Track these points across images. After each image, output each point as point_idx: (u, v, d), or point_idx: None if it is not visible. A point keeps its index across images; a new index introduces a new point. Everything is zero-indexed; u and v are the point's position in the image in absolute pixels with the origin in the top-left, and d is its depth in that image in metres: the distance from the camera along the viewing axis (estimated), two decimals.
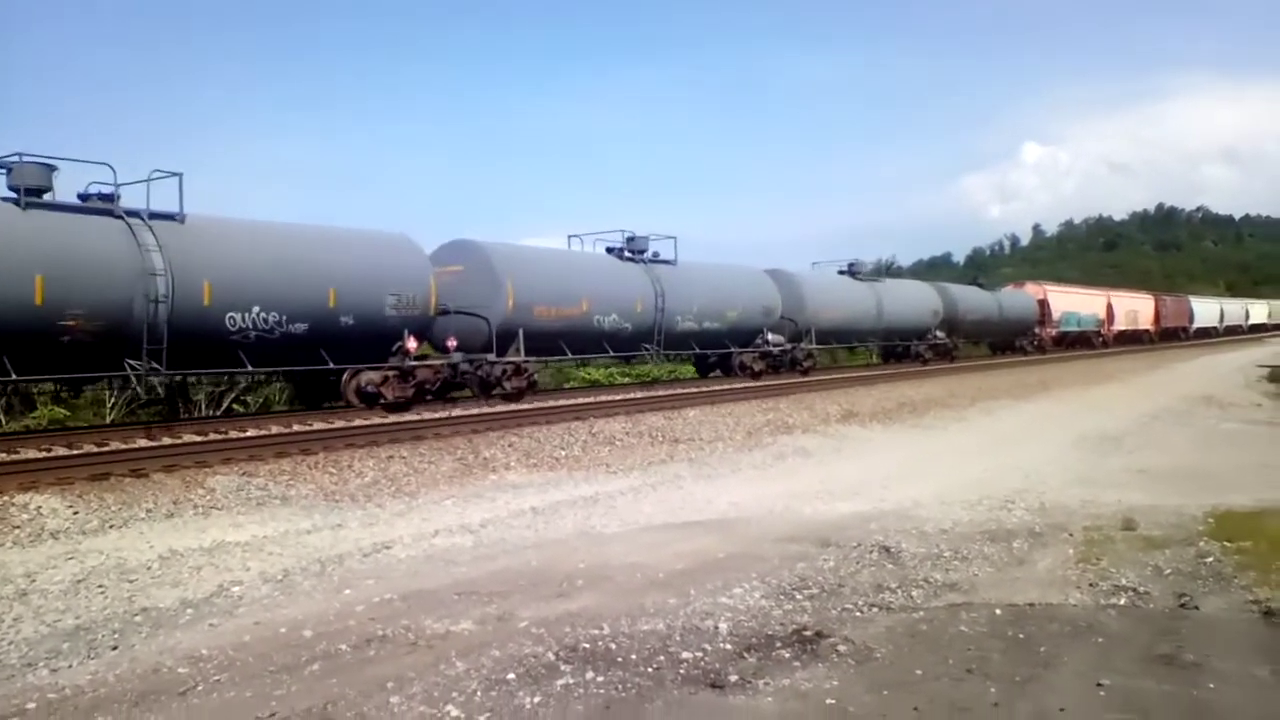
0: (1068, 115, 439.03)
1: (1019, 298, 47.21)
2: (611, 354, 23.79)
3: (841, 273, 34.85)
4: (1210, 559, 8.20)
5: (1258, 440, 17.31)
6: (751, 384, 25.60)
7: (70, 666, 5.88)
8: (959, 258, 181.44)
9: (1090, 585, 7.49)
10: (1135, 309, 62.36)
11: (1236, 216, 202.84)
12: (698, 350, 26.77)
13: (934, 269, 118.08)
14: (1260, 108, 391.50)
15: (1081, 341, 52.67)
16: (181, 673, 5.69)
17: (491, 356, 19.64)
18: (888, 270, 65.85)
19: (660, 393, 22.86)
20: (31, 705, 5.23)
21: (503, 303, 19.93)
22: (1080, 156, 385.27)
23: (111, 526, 9.76)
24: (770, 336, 28.17)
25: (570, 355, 22.56)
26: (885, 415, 21.13)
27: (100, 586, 7.66)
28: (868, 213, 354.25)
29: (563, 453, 14.94)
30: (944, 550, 8.70)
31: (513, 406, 19.02)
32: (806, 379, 27.78)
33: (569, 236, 25.01)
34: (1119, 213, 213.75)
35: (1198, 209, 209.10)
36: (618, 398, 21.30)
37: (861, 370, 33.44)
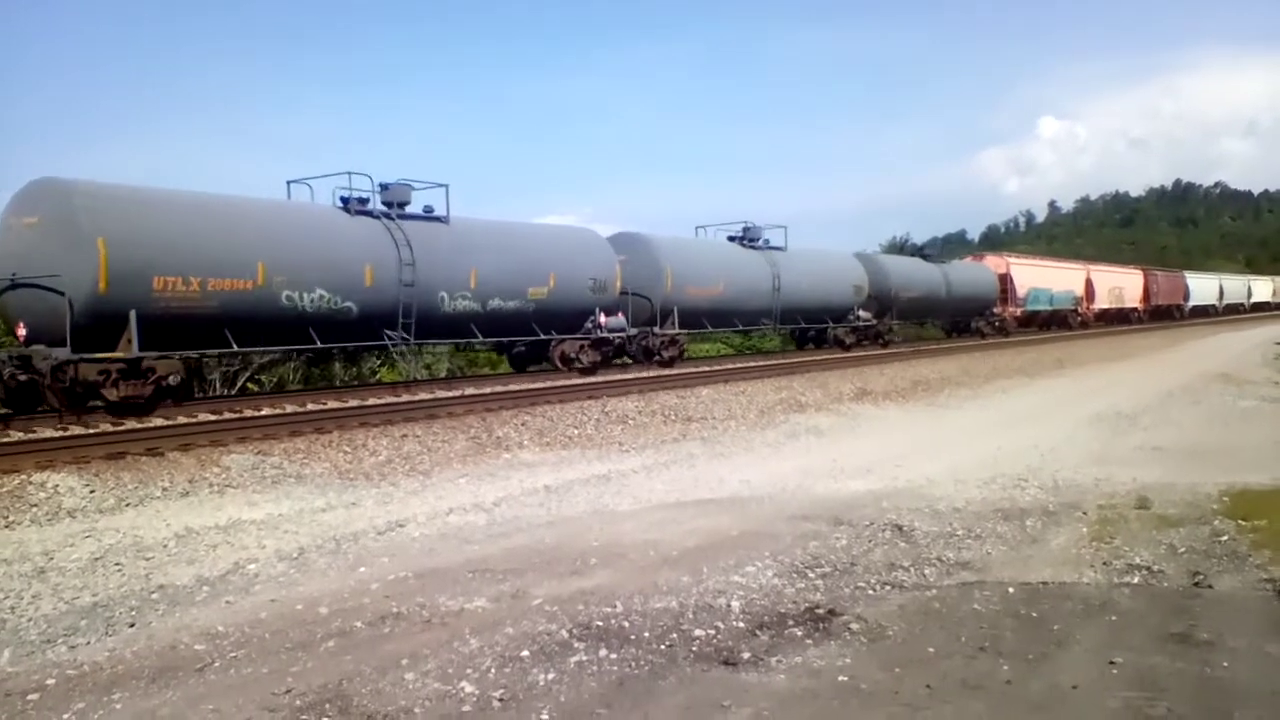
0: (1085, 89, 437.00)
1: (974, 272, 41.75)
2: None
3: (733, 239, 28.88)
4: (1225, 537, 8.15)
5: (1275, 418, 17.18)
6: (767, 362, 25.74)
7: (88, 643, 5.94)
8: (974, 235, 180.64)
9: (1104, 564, 7.47)
10: (1120, 285, 57.82)
11: (1255, 191, 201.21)
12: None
13: (949, 247, 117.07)
14: (1278, 80, 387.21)
15: (1055, 322, 48.69)
16: (198, 649, 5.74)
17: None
18: (905, 246, 61.58)
19: (673, 372, 22.96)
20: (51, 681, 5.29)
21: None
22: (1098, 131, 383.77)
23: (128, 505, 9.84)
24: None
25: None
26: (900, 394, 21.10)
27: (117, 564, 7.73)
28: (881, 189, 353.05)
29: (575, 431, 14.97)
30: (957, 528, 8.69)
31: (527, 385, 19.06)
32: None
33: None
34: (1136, 188, 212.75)
35: (1215, 184, 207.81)
36: (630, 376, 21.32)
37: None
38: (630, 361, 24.01)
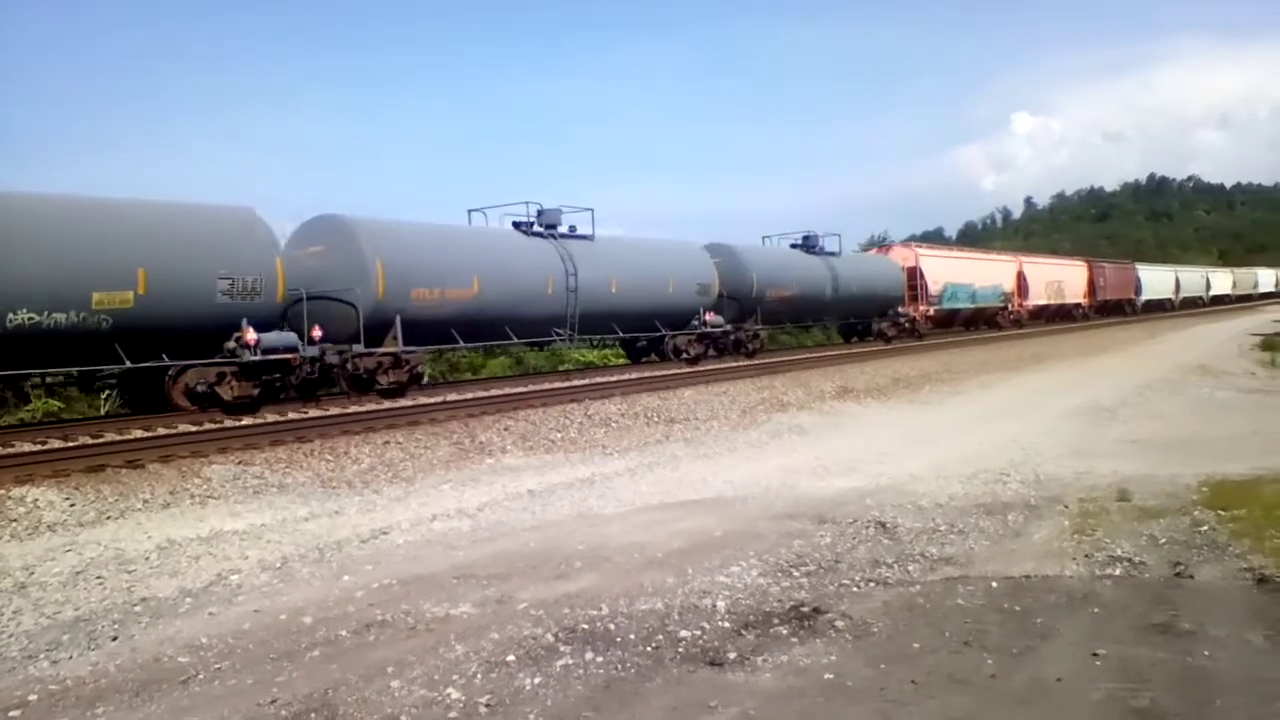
0: (1060, 84, 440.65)
1: (873, 265, 36.05)
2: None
3: (518, 225, 22.35)
4: (1205, 528, 8.24)
5: (1251, 408, 17.36)
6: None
7: (71, 658, 5.90)
8: (951, 231, 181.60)
9: (1086, 556, 7.53)
10: (1059, 279, 51.58)
11: (1228, 185, 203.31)
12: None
13: (927, 243, 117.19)
14: (1253, 73, 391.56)
15: (983, 321, 43.50)
16: (182, 661, 5.71)
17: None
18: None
19: (656, 373, 22.89)
20: (33, 697, 5.25)
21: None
22: (1073, 125, 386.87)
23: (109, 518, 9.77)
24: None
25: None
26: (881, 391, 21.19)
27: (99, 578, 7.67)
28: (859, 186, 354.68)
29: (559, 435, 14.96)
30: (940, 524, 8.74)
31: (509, 390, 19.04)
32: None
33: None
34: (1111, 183, 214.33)
35: (1189, 178, 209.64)
36: (613, 379, 21.31)
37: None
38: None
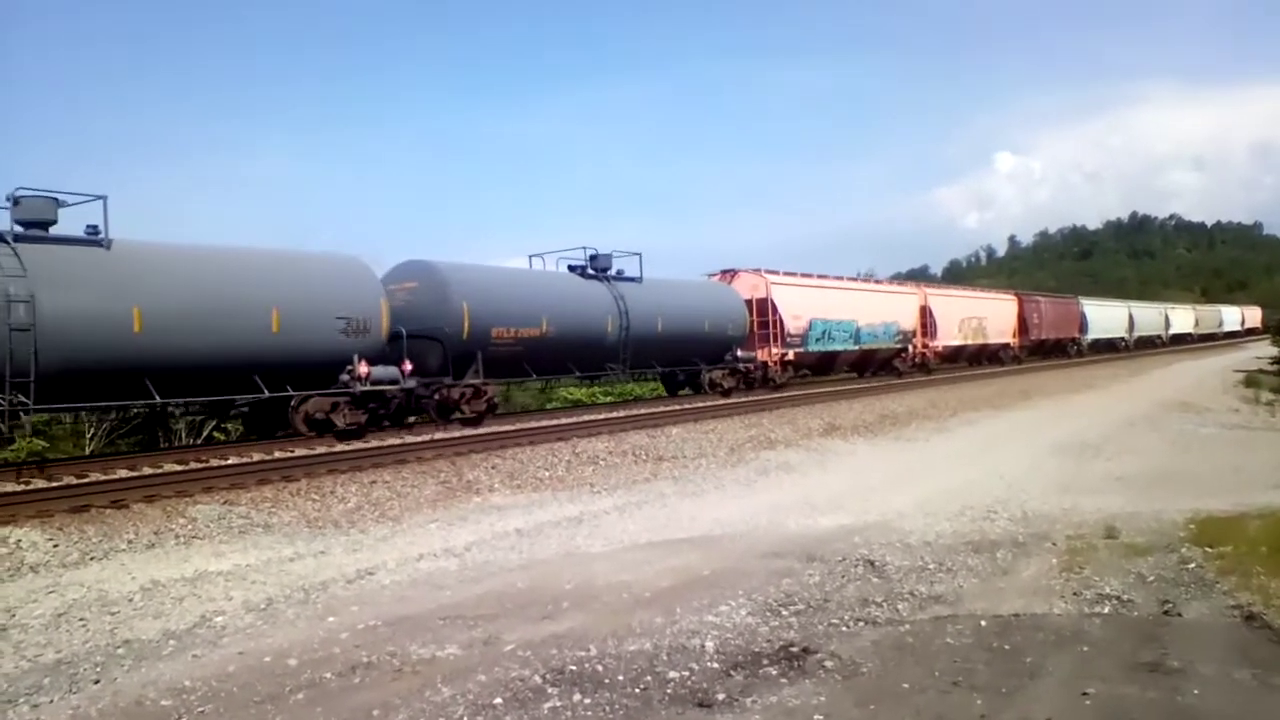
0: (1038, 124, 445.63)
1: (697, 296, 27.22)
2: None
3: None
4: (1192, 565, 8.26)
5: (1235, 445, 17.45)
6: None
7: (52, 701, 5.82)
8: (936, 269, 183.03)
9: (1074, 594, 7.53)
10: (979, 315, 43.58)
11: (1208, 223, 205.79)
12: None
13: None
14: (1219, 117, 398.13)
15: (873, 366, 36.28)
16: (165, 705, 5.64)
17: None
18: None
19: (642, 411, 22.89)
20: None
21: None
22: (1053, 165, 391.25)
23: (92, 559, 9.67)
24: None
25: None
26: (868, 428, 21.23)
27: (82, 619, 7.59)
28: (842, 223, 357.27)
29: (546, 473, 14.91)
30: (928, 562, 8.73)
31: (494, 429, 19.01)
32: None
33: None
34: (1093, 221, 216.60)
35: (1170, 216, 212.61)
36: (600, 417, 21.29)
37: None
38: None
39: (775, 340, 29.69)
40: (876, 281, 43.16)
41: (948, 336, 40.48)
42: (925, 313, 38.78)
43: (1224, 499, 11.39)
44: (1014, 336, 47.16)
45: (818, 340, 31.81)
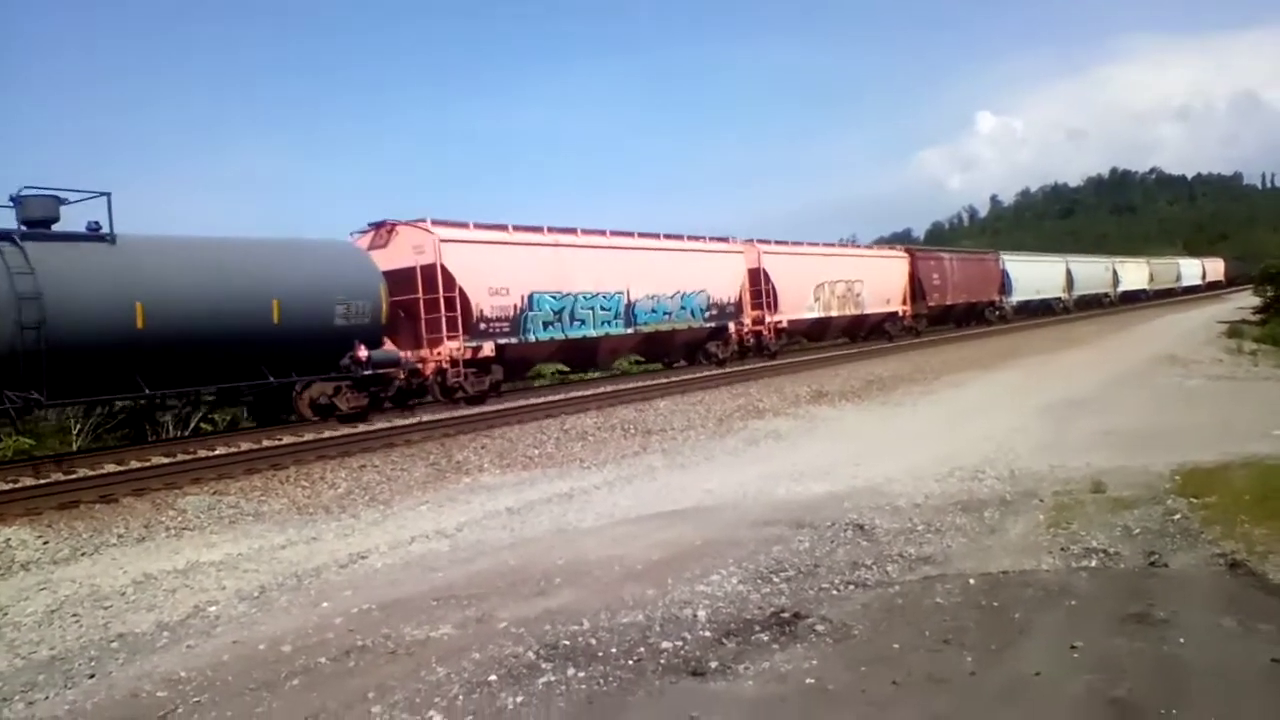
0: (1018, 84, 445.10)
1: (319, 263, 17.64)
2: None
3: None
4: (1178, 516, 8.33)
5: (1219, 396, 17.55)
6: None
7: (47, 698, 5.82)
8: (919, 233, 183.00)
9: (1061, 549, 7.60)
10: (849, 279, 34.42)
11: (1189, 176, 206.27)
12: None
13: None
14: (1201, 68, 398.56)
15: (675, 353, 28.19)
16: (160, 696, 5.65)
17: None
18: None
19: (630, 385, 22.86)
20: None
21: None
22: (1035, 124, 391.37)
23: (83, 554, 9.66)
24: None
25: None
26: (856, 394, 21.30)
27: (74, 615, 7.59)
28: (831, 192, 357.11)
29: (535, 451, 14.93)
30: (917, 524, 8.78)
31: (483, 409, 19.01)
32: None
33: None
34: (1075, 178, 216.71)
35: (1151, 170, 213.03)
36: (589, 393, 21.31)
37: None
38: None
39: (454, 327, 19.76)
40: (678, 238, 27.69)
41: (796, 308, 31.46)
42: (759, 277, 29.66)
43: (1210, 450, 11.46)
44: (904, 303, 38.60)
45: (534, 325, 21.81)
